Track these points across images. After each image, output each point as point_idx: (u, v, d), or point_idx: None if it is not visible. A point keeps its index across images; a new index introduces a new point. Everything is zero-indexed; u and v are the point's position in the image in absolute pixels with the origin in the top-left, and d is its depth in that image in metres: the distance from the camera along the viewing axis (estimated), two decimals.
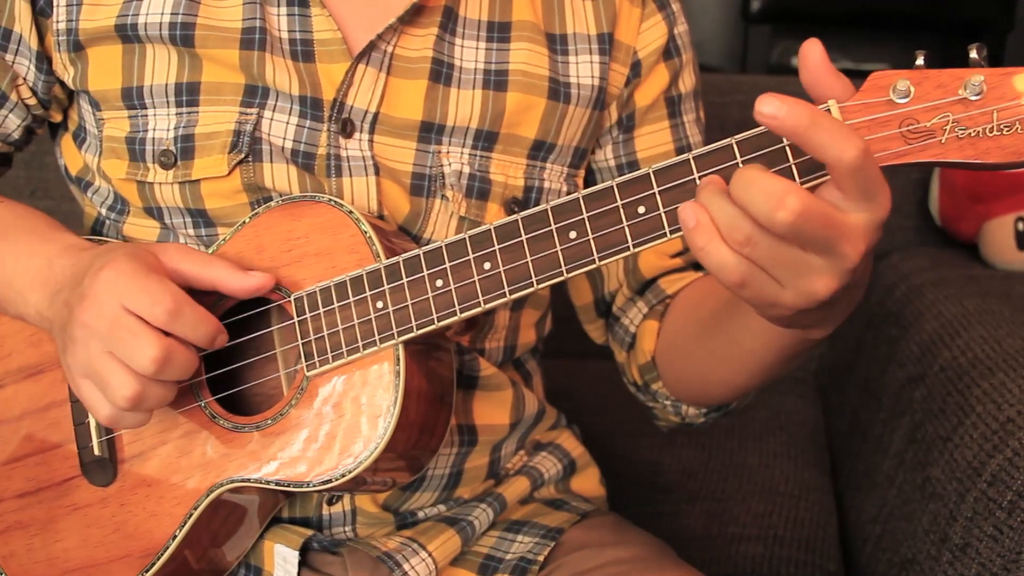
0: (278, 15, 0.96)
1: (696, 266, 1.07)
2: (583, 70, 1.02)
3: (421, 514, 1.06)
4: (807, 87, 0.73)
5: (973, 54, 0.71)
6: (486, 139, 0.99)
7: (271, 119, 0.95)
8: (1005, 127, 0.70)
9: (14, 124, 1.04)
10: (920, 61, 0.73)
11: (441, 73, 0.97)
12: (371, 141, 0.96)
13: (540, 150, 1.01)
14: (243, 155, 0.95)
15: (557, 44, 1.02)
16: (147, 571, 0.93)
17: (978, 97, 0.70)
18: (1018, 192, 1.73)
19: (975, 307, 1.45)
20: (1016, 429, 1.08)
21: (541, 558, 1.03)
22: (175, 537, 0.92)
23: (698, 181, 0.76)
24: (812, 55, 0.72)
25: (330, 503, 1.02)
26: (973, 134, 0.70)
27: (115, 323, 0.84)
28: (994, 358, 1.24)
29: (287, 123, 0.95)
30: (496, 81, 0.99)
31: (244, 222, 0.94)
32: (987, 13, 2.56)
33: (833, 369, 1.86)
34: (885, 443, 1.41)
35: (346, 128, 0.96)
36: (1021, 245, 1.72)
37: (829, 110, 0.73)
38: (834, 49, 3.06)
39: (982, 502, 1.06)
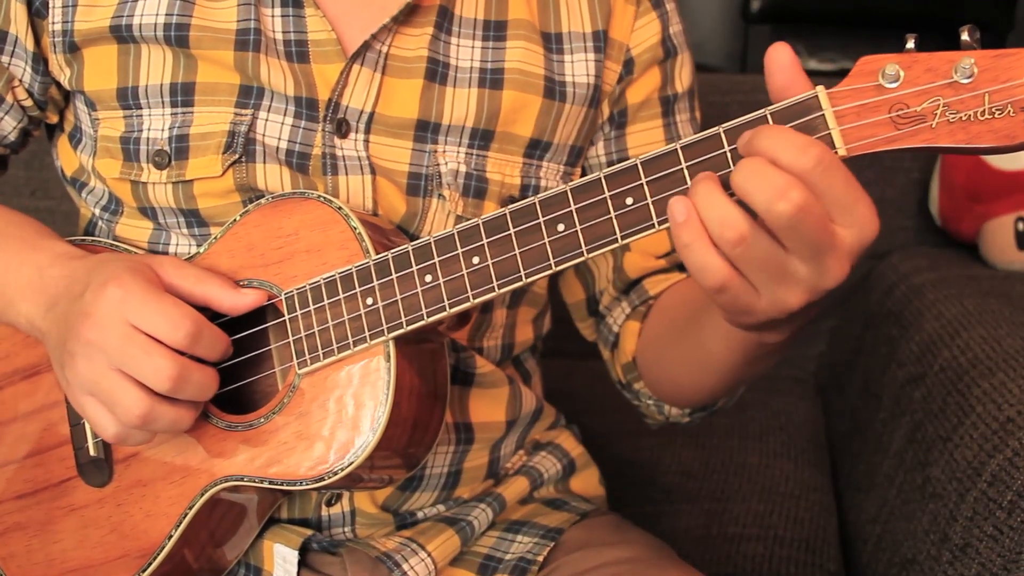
0: (272, 16, 0.96)
1: (681, 267, 1.07)
2: (578, 68, 1.02)
3: (420, 514, 1.06)
4: (779, 92, 0.73)
5: (965, 36, 0.70)
6: (482, 137, 0.99)
7: (266, 120, 0.95)
8: (997, 110, 0.68)
9: (10, 126, 1.04)
10: (911, 44, 0.71)
11: (437, 72, 0.97)
12: (367, 141, 0.96)
13: (536, 148, 1.01)
14: (237, 156, 0.95)
15: (552, 43, 1.02)
16: (144, 571, 0.93)
17: (969, 80, 0.69)
18: (1018, 192, 1.73)
19: (975, 307, 1.44)
20: (1016, 429, 1.08)
21: (541, 558, 1.03)
22: (171, 537, 0.92)
23: (686, 171, 0.75)
24: (781, 58, 0.72)
25: (329, 504, 1.01)
26: (964, 118, 0.69)
27: (127, 341, 0.84)
28: (994, 358, 1.24)
29: (282, 123, 0.95)
30: (492, 79, 0.99)
31: (235, 220, 0.94)
32: (987, 13, 2.56)
33: (833, 369, 1.86)
34: (885, 443, 1.41)
35: (341, 128, 0.96)
36: (1021, 245, 1.72)
37: (817, 96, 0.72)
38: (834, 49, 3.04)
39: (982, 502, 1.06)
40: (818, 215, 0.68)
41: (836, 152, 0.72)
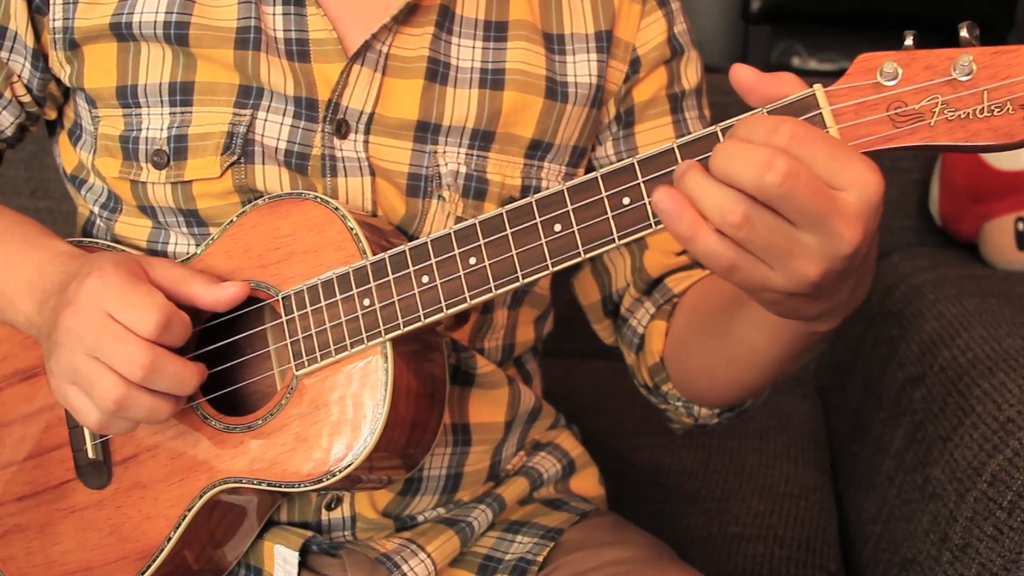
0: (273, 14, 0.96)
1: None
2: (580, 69, 1.01)
3: (421, 518, 1.05)
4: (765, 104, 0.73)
5: (964, 33, 0.69)
6: (483, 138, 0.99)
7: (265, 120, 0.95)
8: (996, 108, 0.68)
9: (7, 121, 1.04)
10: (909, 41, 0.71)
11: (437, 72, 0.97)
12: (366, 142, 0.96)
13: (537, 149, 1.01)
14: (236, 157, 0.95)
15: (554, 44, 1.01)
16: (143, 573, 0.93)
17: (968, 77, 0.68)
18: (1018, 192, 1.73)
19: (975, 307, 1.44)
20: (1016, 429, 1.08)
21: (540, 558, 1.03)
22: (170, 539, 0.92)
23: None
24: (745, 78, 0.71)
25: (329, 508, 1.01)
26: (963, 116, 0.68)
27: (102, 329, 0.84)
28: (994, 358, 1.24)
29: (281, 124, 0.95)
30: (493, 80, 0.98)
31: (232, 221, 0.94)
32: (987, 13, 2.56)
33: (833, 369, 1.86)
34: (885, 443, 1.41)
35: (341, 129, 0.96)
36: (1021, 245, 1.72)
37: (814, 95, 0.72)
38: (834, 49, 3.02)
39: (982, 502, 1.06)
40: (809, 179, 0.66)
41: None
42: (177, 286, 0.90)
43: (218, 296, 0.90)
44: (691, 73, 1.07)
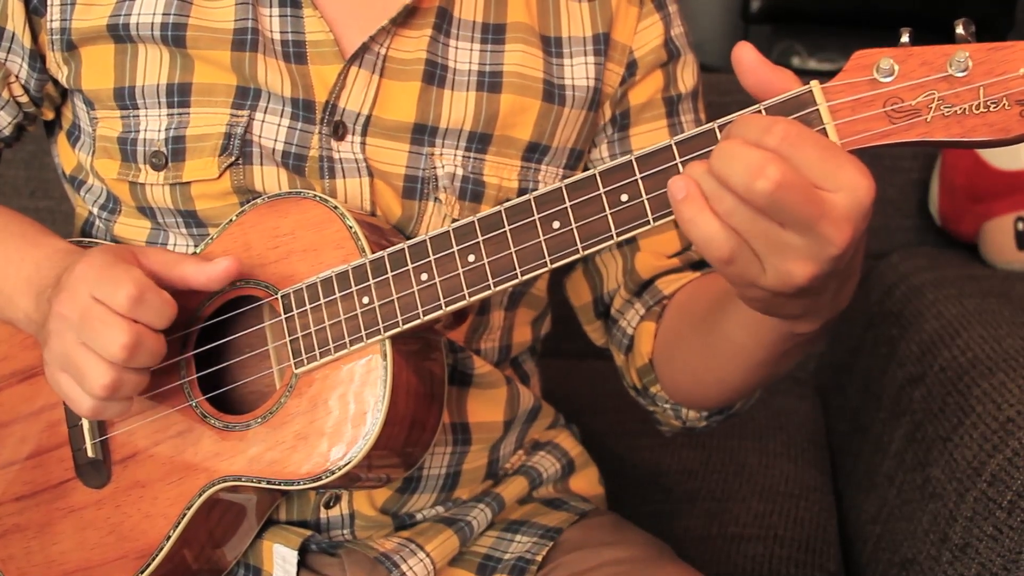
0: (270, 16, 0.96)
1: (694, 266, 1.06)
2: (578, 72, 1.01)
3: (419, 516, 1.06)
4: (753, 92, 0.72)
5: (959, 29, 0.69)
6: (480, 141, 0.99)
7: (262, 121, 0.95)
8: (992, 103, 0.68)
9: (5, 121, 1.04)
10: (905, 38, 0.71)
11: (435, 75, 0.97)
12: (363, 144, 0.96)
13: (535, 152, 1.01)
14: (234, 158, 0.95)
15: (552, 47, 1.01)
16: (142, 572, 0.93)
17: (964, 73, 0.69)
18: (1018, 192, 1.73)
19: (975, 307, 1.44)
20: (1016, 429, 1.08)
21: (539, 558, 1.03)
22: (169, 537, 0.92)
23: (681, 167, 0.74)
24: (747, 58, 0.71)
25: (328, 506, 1.01)
26: (959, 112, 0.69)
27: (85, 312, 0.84)
28: (994, 358, 1.24)
29: (278, 125, 0.95)
30: (490, 83, 0.98)
31: (231, 220, 0.94)
32: (987, 12, 2.56)
33: (833, 369, 1.86)
34: (885, 443, 1.41)
35: (338, 131, 0.96)
36: (1021, 245, 1.72)
37: (811, 92, 0.72)
38: (834, 49, 3.02)
39: (982, 502, 1.06)
40: (801, 187, 0.66)
41: None
42: (168, 269, 0.89)
43: (209, 273, 0.89)
44: (687, 76, 1.07)
